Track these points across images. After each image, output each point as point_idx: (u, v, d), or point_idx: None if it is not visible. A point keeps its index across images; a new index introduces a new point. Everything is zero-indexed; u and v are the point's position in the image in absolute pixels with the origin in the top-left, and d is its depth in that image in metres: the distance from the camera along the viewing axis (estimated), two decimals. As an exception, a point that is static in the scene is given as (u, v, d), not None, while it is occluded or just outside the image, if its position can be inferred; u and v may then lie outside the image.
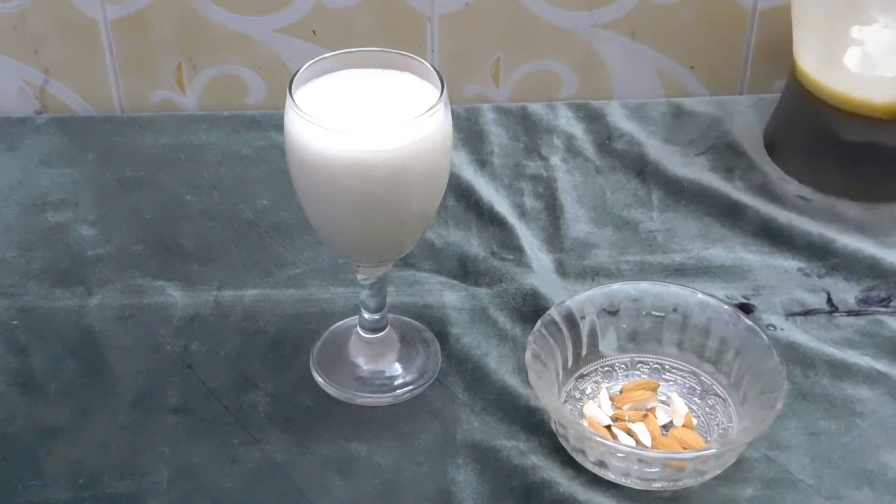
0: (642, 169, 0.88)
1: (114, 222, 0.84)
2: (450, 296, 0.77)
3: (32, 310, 0.76)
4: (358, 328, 0.72)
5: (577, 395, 0.70)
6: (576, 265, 0.80)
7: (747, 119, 0.93)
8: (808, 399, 0.70)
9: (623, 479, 0.64)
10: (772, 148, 0.90)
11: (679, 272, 0.79)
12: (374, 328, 0.72)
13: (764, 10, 0.95)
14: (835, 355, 0.72)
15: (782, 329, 0.75)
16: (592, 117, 0.94)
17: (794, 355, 0.72)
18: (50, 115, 0.97)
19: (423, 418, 0.69)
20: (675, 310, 0.70)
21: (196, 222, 0.84)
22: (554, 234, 0.82)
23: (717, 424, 0.67)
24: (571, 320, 0.69)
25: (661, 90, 0.99)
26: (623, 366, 0.71)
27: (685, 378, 0.70)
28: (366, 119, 0.63)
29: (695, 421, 0.68)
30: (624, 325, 0.71)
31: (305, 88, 0.64)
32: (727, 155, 0.90)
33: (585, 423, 0.67)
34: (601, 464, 0.64)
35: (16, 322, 0.75)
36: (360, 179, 0.60)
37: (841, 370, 0.72)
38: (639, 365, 0.71)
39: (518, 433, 0.68)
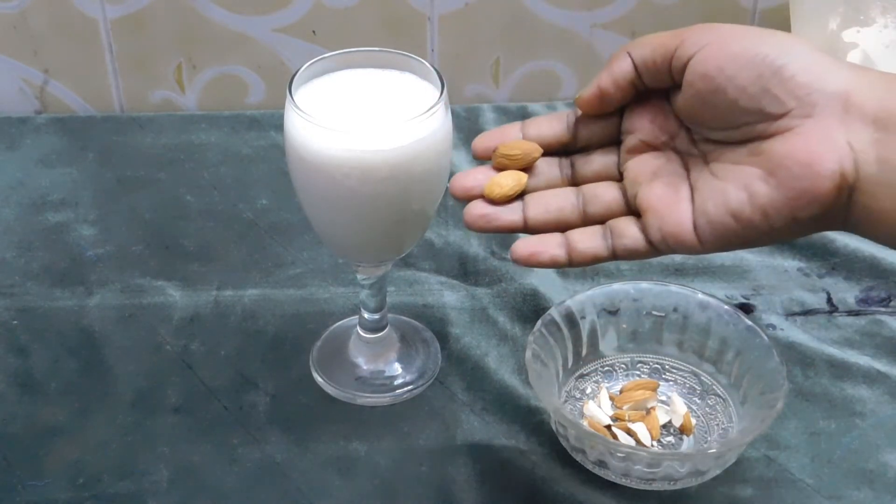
0: (642, 169, 0.88)
1: (114, 222, 0.84)
2: (450, 296, 0.77)
3: (32, 310, 0.76)
4: (358, 328, 0.72)
5: (577, 395, 0.70)
6: (576, 265, 0.80)
7: (747, 119, 0.93)
8: (808, 399, 0.70)
9: (623, 479, 0.64)
10: (772, 148, 0.90)
11: (679, 272, 0.79)
12: (374, 328, 0.72)
13: (764, 10, 0.95)
14: (835, 355, 0.72)
15: (782, 329, 0.75)
16: (592, 117, 0.94)
17: (794, 355, 0.73)
18: (50, 114, 0.97)
19: (423, 418, 0.69)
20: (675, 310, 0.70)
21: (196, 222, 0.84)
22: (554, 234, 0.82)
23: (717, 424, 0.67)
24: (571, 320, 0.69)
25: (661, 90, 0.99)
26: (623, 366, 0.71)
27: (685, 378, 0.70)
28: (366, 119, 0.63)
29: (694, 421, 0.68)
30: (624, 325, 0.71)
31: (305, 88, 0.64)
32: (727, 155, 0.90)
33: (585, 423, 0.67)
34: (601, 464, 0.64)
35: (16, 322, 0.75)
36: (360, 179, 0.60)
37: (841, 370, 0.72)
38: (639, 365, 0.71)
39: (518, 433, 0.68)
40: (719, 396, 0.69)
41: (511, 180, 0.58)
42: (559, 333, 0.69)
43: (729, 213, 0.52)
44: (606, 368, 0.71)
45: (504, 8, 0.94)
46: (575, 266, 0.57)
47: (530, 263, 0.56)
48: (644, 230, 0.55)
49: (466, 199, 0.58)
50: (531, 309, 0.75)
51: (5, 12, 0.93)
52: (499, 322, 0.75)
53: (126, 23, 0.93)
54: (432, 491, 0.65)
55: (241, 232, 0.83)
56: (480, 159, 0.60)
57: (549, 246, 0.56)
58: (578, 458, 0.65)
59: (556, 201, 0.57)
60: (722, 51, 0.52)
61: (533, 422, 0.68)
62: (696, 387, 0.70)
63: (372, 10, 0.93)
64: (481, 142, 0.59)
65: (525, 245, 0.56)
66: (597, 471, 0.65)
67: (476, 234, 0.82)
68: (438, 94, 0.62)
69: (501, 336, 0.74)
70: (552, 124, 0.59)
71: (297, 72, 0.63)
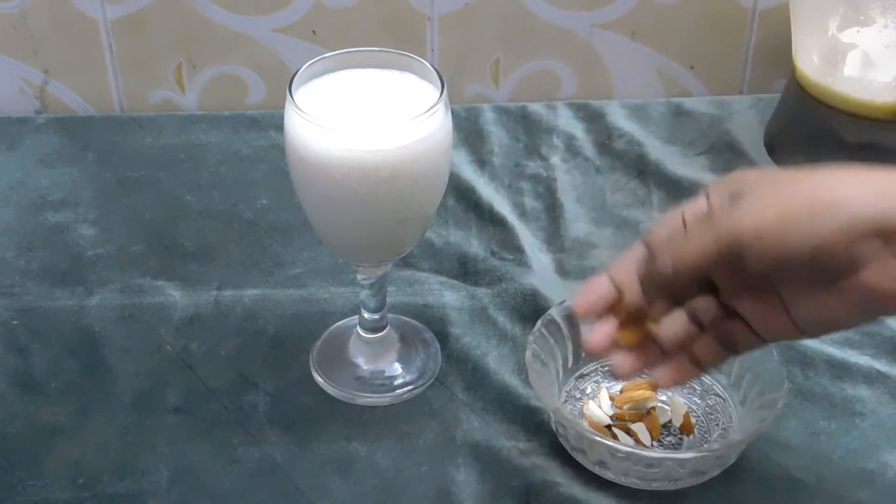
0: (642, 169, 0.88)
1: (114, 222, 0.84)
2: (450, 296, 0.77)
3: (32, 310, 0.76)
4: (358, 328, 0.72)
5: (577, 395, 0.70)
6: (576, 265, 0.80)
7: (747, 119, 0.93)
8: (808, 399, 0.70)
9: (623, 479, 0.64)
10: (772, 148, 0.90)
11: (679, 272, 0.79)
12: (374, 328, 0.72)
13: (764, 10, 0.95)
14: (835, 355, 0.72)
15: (782, 329, 0.74)
16: (592, 117, 0.94)
17: (794, 355, 0.72)
18: (50, 114, 0.97)
19: (423, 418, 0.69)
20: (675, 310, 0.70)
21: (196, 222, 0.84)
22: (554, 234, 0.82)
23: (717, 424, 0.67)
24: (571, 320, 0.69)
25: (661, 90, 0.99)
26: (623, 366, 0.71)
27: (685, 378, 0.70)
28: (366, 119, 0.63)
29: (694, 421, 0.68)
30: (624, 325, 0.71)
31: (305, 88, 0.64)
32: (727, 155, 0.90)
33: (585, 423, 0.67)
34: (601, 464, 0.64)
35: (16, 322, 0.75)
36: (360, 179, 0.60)
37: (841, 370, 0.72)
38: (639, 365, 0.71)
39: (518, 433, 0.68)
40: (719, 396, 0.69)
41: (642, 329, 0.60)
42: (559, 333, 0.69)
43: (821, 323, 0.56)
44: (606, 368, 0.71)
45: (504, 8, 0.94)
46: (705, 373, 0.65)
47: (676, 386, 0.63)
48: (753, 330, 0.58)
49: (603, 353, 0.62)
50: (531, 309, 0.75)
51: (5, 12, 0.93)
52: (499, 322, 0.75)
53: (126, 23, 0.93)
54: (432, 491, 0.65)
55: (241, 232, 0.83)
56: (585, 318, 0.62)
57: (684, 367, 0.60)
58: (578, 458, 0.65)
59: (674, 326, 0.60)
60: (765, 257, 0.53)
61: (533, 422, 0.68)
62: (696, 387, 0.70)
63: (372, 10, 0.93)
64: (582, 306, 0.61)
65: (668, 374, 0.60)
66: (597, 471, 0.65)
67: (476, 235, 0.82)
68: (438, 94, 0.62)
69: (501, 336, 0.74)
70: (634, 266, 0.60)
71: (297, 72, 0.63)
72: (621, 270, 0.60)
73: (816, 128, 0.85)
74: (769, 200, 0.53)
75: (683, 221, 0.57)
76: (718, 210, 0.55)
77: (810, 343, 0.73)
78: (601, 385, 0.70)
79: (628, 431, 0.67)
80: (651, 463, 0.63)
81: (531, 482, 0.65)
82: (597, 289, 0.60)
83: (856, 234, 0.52)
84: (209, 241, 0.82)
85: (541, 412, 0.69)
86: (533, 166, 0.89)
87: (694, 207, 0.57)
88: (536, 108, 0.95)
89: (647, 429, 0.67)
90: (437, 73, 0.63)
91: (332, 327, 0.75)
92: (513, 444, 0.67)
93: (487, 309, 0.76)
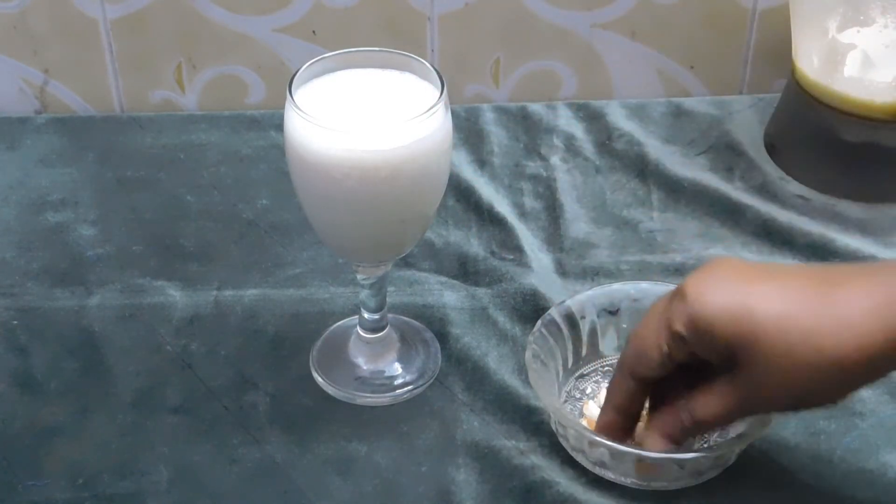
0: (642, 169, 0.88)
1: (114, 222, 0.84)
2: (450, 296, 0.77)
3: (32, 310, 0.76)
4: (358, 328, 0.72)
5: (577, 395, 0.70)
6: (576, 265, 0.80)
7: (747, 119, 0.93)
8: (808, 399, 0.70)
9: (623, 480, 0.64)
10: (772, 148, 0.90)
11: (679, 272, 0.79)
12: (374, 328, 0.72)
13: (764, 10, 0.95)
14: (835, 355, 0.72)
15: (782, 329, 0.74)
16: (592, 117, 0.94)
17: (794, 355, 0.72)
18: (50, 114, 0.97)
19: (423, 418, 0.69)
20: (675, 310, 0.70)
21: (196, 222, 0.84)
22: (554, 234, 0.82)
23: (717, 424, 0.67)
24: (571, 320, 0.69)
25: (661, 90, 0.99)
26: (623, 366, 0.71)
27: (685, 378, 0.70)
28: (365, 119, 0.63)
29: (695, 421, 0.68)
30: (624, 325, 0.71)
31: (305, 88, 0.64)
32: (727, 155, 0.90)
33: (585, 423, 0.67)
34: (601, 464, 0.64)
35: (16, 322, 0.75)
36: (360, 179, 0.60)
37: (841, 370, 0.71)
38: (639, 365, 0.71)
39: (518, 433, 0.68)
40: (719, 396, 0.69)
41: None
42: (559, 333, 0.69)
43: None
44: (606, 368, 0.71)
45: (504, 8, 0.94)
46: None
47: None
48: None
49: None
50: (531, 309, 0.75)
51: (5, 12, 0.93)
52: (499, 322, 0.75)
53: (126, 23, 0.93)
54: (432, 491, 0.65)
55: (241, 232, 0.83)
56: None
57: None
58: (578, 458, 0.65)
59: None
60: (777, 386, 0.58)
61: (533, 422, 0.68)
62: (696, 387, 0.70)
63: (372, 10, 0.93)
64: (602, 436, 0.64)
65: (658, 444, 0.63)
66: (597, 471, 0.65)
67: (476, 235, 0.82)
68: (438, 94, 0.62)
69: (501, 336, 0.74)
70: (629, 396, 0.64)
71: (297, 72, 0.63)
72: (621, 403, 0.63)
73: (816, 128, 0.85)
74: (777, 372, 0.56)
75: (667, 353, 0.60)
76: (719, 365, 0.59)
77: (810, 343, 0.73)
78: (601, 385, 0.70)
79: (628, 431, 0.67)
80: (651, 463, 0.62)
81: (531, 482, 0.65)
82: (609, 424, 0.64)
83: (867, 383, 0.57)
84: (209, 241, 0.82)
85: (541, 412, 0.69)
86: (533, 166, 0.89)
87: (674, 349, 0.59)
88: (536, 108, 0.95)
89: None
90: (437, 73, 0.63)
91: (332, 327, 0.75)
92: (513, 444, 0.67)
93: (487, 309, 0.76)
